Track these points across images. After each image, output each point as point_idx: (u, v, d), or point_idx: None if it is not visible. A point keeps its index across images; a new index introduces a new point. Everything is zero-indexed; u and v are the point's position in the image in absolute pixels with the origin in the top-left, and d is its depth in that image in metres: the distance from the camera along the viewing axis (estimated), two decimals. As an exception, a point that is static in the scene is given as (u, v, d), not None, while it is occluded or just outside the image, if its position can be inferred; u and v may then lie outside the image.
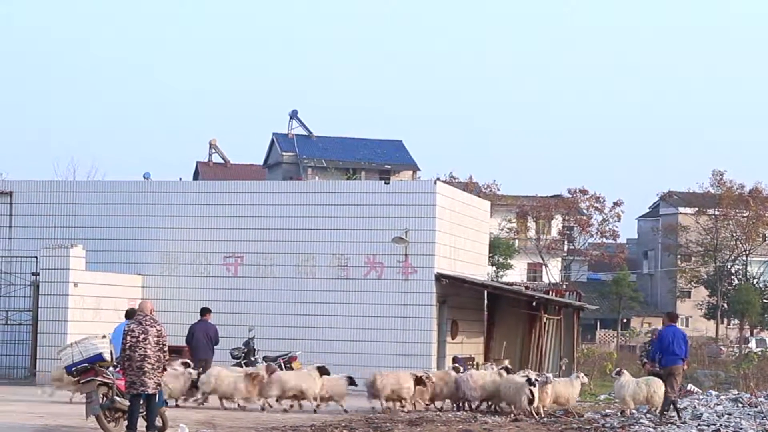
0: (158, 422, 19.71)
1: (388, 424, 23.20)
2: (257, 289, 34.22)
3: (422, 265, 33.38)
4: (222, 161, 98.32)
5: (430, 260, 33.38)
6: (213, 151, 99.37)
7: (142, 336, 18.32)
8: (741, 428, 23.44)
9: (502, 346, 33.67)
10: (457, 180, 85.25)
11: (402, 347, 32.78)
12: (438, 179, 53.60)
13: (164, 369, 18.74)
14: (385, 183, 37.46)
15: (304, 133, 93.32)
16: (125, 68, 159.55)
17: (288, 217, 34.32)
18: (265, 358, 28.59)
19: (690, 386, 34.25)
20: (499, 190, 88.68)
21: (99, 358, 18.76)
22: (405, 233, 33.18)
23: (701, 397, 29.46)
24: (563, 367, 33.89)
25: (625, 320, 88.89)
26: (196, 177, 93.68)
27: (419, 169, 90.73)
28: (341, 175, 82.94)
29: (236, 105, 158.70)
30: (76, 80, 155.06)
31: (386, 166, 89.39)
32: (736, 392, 29.10)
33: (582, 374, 27.04)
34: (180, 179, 53.92)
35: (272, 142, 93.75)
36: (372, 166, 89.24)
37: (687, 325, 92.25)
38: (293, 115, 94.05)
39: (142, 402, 18.40)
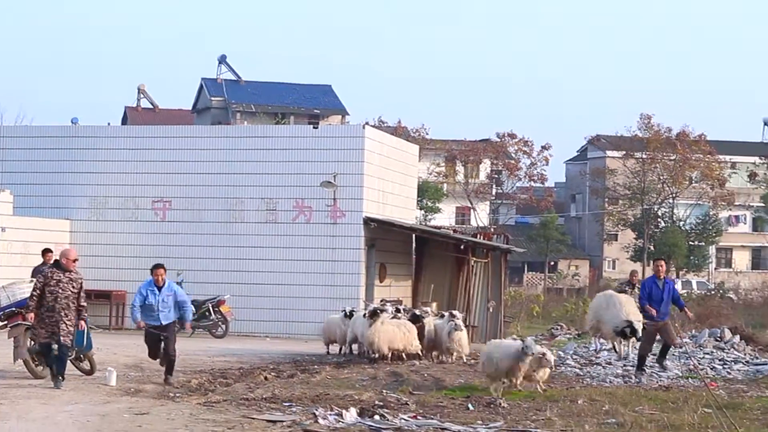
0: (86, 365, 19.70)
1: (315, 366, 23.34)
2: (186, 234, 34.17)
3: (351, 209, 33.48)
4: (150, 106, 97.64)
5: (359, 204, 33.48)
6: (141, 96, 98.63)
7: (55, 282, 18.02)
8: (666, 368, 23.87)
9: (429, 289, 33.87)
10: (385, 124, 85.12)
11: (330, 290, 32.91)
12: (367, 124, 53.57)
13: (82, 318, 18.34)
14: (314, 128, 37.46)
15: (233, 78, 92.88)
16: (53, 12, 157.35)
17: (217, 161, 34.23)
18: (193, 302, 28.63)
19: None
20: (427, 134, 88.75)
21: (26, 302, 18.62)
22: (333, 177, 33.22)
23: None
24: (491, 310, 34.20)
25: (552, 263, 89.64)
26: (124, 122, 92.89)
27: (348, 114, 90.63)
28: (270, 119, 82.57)
29: (165, 50, 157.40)
30: (2, 24, 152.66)
31: (315, 111, 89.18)
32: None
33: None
34: (108, 124, 53.46)
35: (201, 87, 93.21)
36: (301, 111, 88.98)
37: (614, 268, 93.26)
38: (222, 60, 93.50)
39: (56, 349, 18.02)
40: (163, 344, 19.67)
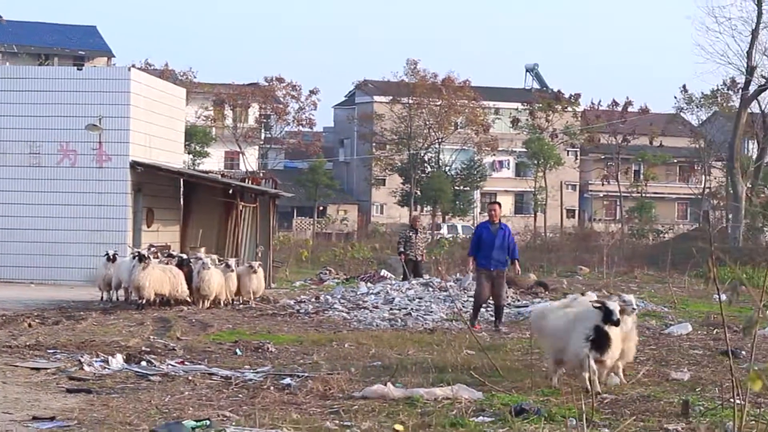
0: None
1: (81, 313, 22.92)
2: (-55, 177, 33.03)
3: (117, 152, 32.93)
4: None
5: (125, 148, 32.96)
6: None
7: None
8: (431, 311, 24.33)
9: (198, 234, 33.60)
10: (152, 67, 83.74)
11: (96, 236, 32.34)
12: (133, 66, 52.59)
13: None
14: (78, 69, 36.58)
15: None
16: None
17: (-24, 103, 33.13)
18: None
19: (383, 272, 35.14)
20: (195, 77, 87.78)
21: None
22: (99, 120, 32.59)
23: (394, 282, 30.33)
24: (259, 255, 34.17)
25: (321, 208, 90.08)
26: None
27: (114, 56, 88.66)
28: (33, 60, 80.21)
29: None
30: None
31: (80, 53, 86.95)
32: (428, 277, 30.09)
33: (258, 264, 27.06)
34: None
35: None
36: (65, 52, 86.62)
37: (382, 213, 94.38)
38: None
39: None
40: None
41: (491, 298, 22.09)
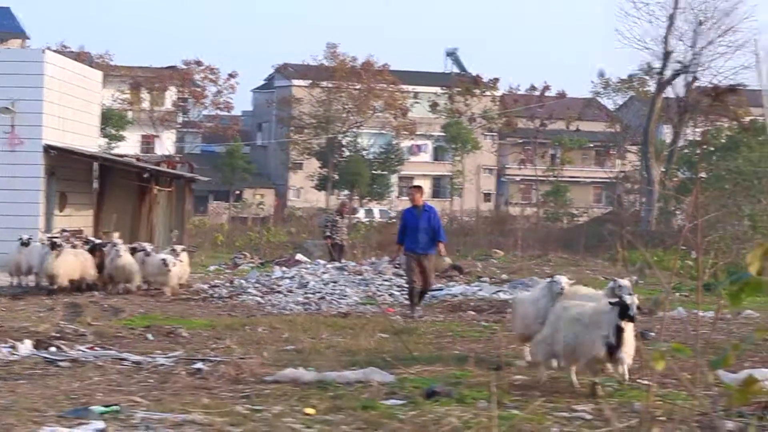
0: None
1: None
2: None
3: (30, 136, 32.44)
4: None
5: (38, 131, 32.49)
6: None
7: None
8: (346, 295, 24.35)
9: (112, 219, 33.28)
10: (68, 50, 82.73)
11: (8, 220, 31.81)
12: (48, 48, 51.91)
13: None
14: (-10, 51, 36.05)
15: None
16: None
17: None
18: None
19: (299, 256, 35.07)
20: (112, 60, 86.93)
21: None
22: (12, 104, 32.11)
23: (309, 266, 30.28)
24: (174, 239, 33.93)
25: (238, 192, 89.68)
26: None
27: (29, 38, 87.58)
28: (-56, 41, 79.01)
29: None
30: None
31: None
32: (344, 261, 30.09)
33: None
34: None
35: None
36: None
37: (299, 197, 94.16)
38: None
39: None
40: None
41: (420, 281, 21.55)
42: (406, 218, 21.57)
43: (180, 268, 24.95)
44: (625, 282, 13.94)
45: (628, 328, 12.30)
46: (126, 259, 24.49)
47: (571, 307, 13.11)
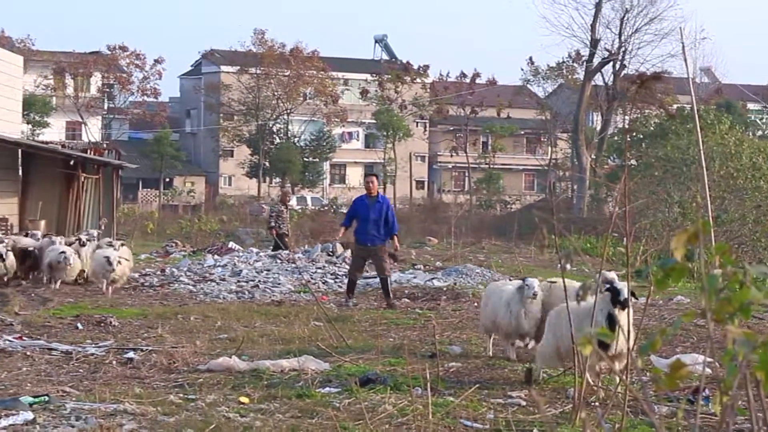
0: None
1: None
2: None
3: (-48, 122, 32.00)
4: None
5: (-40, 118, 32.05)
6: None
7: None
8: (279, 283, 24.24)
9: (38, 207, 32.85)
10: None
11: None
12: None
13: None
14: None
15: None
16: None
17: None
18: None
19: (231, 244, 34.90)
20: (33, 45, 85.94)
21: None
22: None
23: (241, 254, 30.13)
24: (102, 227, 33.57)
25: (167, 179, 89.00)
26: None
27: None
28: None
29: None
30: None
31: None
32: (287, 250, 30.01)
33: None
34: None
35: None
36: None
37: (230, 184, 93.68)
38: None
39: None
40: None
41: (377, 273, 21.27)
42: (357, 207, 21.09)
43: (124, 265, 23.81)
44: (610, 274, 12.61)
45: (623, 318, 11.29)
46: (77, 262, 23.51)
47: (562, 310, 12.21)
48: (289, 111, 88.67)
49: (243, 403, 11.13)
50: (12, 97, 37.02)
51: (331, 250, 30.00)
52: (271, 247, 30.78)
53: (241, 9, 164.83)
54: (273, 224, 30.30)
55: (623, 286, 11.48)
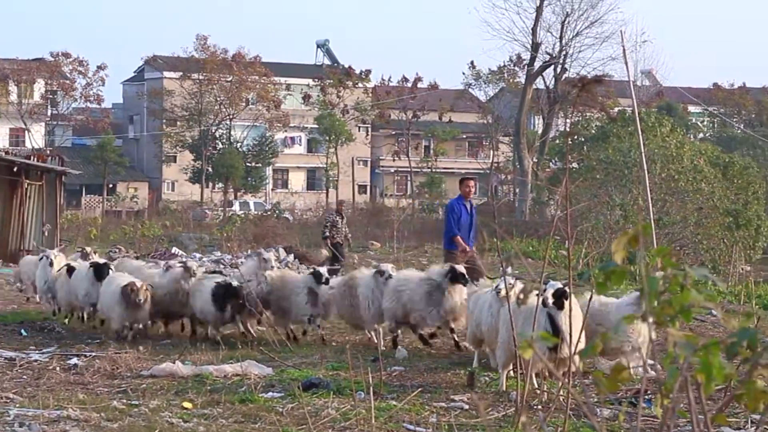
0: None
1: None
2: None
3: None
4: None
5: None
6: None
7: None
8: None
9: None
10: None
11: None
12: None
13: None
14: None
15: None
16: None
17: None
18: None
19: (174, 249, 34.80)
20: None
21: None
22: None
23: (185, 259, 29.98)
24: (46, 234, 33.41)
25: (111, 185, 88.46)
26: None
27: None
28: None
29: None
30: None
31: None
32: (219, 254, 29.91)
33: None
34: None
35: None
36: None
37: (173, 190, 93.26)
38: None
39: None
40: None
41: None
42: (461, 213, 19.56)
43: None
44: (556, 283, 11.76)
45: (561, 317, 11.06)
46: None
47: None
48: (231, 116, 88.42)
49: (186, 409, 11.18)
50: (-48, 104, 36.80)
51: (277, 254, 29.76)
52: (329, 260, 28.36)
53: (183, 15, 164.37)
54: (327, 234, 28.90)
55: (555, 285, 11.38)
